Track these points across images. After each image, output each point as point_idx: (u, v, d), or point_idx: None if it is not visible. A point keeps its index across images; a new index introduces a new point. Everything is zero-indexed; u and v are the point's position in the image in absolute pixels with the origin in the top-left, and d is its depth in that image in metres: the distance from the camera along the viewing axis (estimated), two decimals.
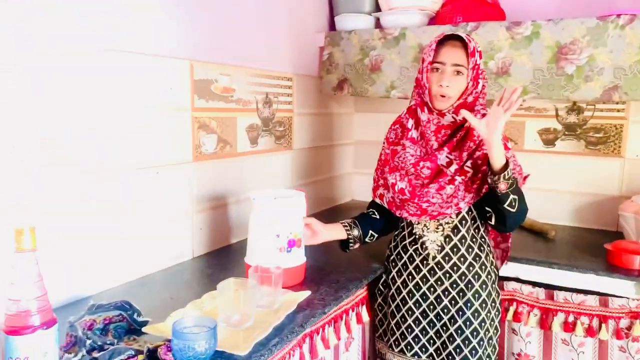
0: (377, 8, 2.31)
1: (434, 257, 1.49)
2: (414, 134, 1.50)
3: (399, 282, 1.55)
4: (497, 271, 1.58)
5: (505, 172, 1.31)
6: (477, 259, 1.48)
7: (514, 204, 1.35)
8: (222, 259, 1.71)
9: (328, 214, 2.43)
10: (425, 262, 1.50)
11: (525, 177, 1.50)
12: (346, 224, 1.59)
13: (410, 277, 1.53)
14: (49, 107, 1.22)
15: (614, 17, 1.78)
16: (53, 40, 1.21)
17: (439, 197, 1.42)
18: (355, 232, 1.59)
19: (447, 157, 1.44)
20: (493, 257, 1.55)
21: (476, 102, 1.45)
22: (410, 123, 1.50)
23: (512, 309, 1.76)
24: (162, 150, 1.55)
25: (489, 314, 1.49)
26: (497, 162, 1.31)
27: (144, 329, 1.11)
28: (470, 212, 1.49)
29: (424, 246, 1.50)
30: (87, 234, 1.34)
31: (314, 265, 1.57)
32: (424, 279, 1.50)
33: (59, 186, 1.25)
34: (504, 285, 1.75)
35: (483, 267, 1.49)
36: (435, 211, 1.45)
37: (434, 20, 2.24)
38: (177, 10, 1.57)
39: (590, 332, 1.65)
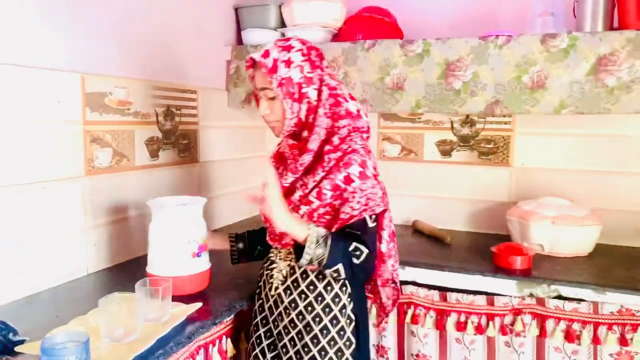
0: (283, 24, 2.37)
1: (276, 288, 1.35)
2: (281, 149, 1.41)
3: (256, 305, 1.43)
4: (354, 318, 1.30)
5: (306, 252, 1.17)
6: (320, 299, 1.29)
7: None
8: (123, 274, 1.67)
9: (245, 224, 2.44)
10: (270, 292, 1.37)
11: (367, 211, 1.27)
12: (233, 236, 1.54)
13: (261, 304, 1.41)
14: None
15: (493, 38, 1.94)
16: None
17: None
18: (240, 245, 1.52)
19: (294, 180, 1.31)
20: (351, 302, 1.30)
21: (324, 117, 1.28)
22: None
23: (410, 312, 1.83)
24: (49, 164, 1.50)
25: None
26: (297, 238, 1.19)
27: (19, 348, 1.07)
28: None
29: (270, 274, 1.38)
30: None
31: (220, 272, 1.57)
32: (270, 310, 1.37)
33: None
34: (402, 290, 1.77)
35: (327, 309, 1.28)
36: (280, 237, 1.35)
37: (336, 37, 2.32)
38: (66, 23, 1.54)
39: (479, 329, 1.75)
